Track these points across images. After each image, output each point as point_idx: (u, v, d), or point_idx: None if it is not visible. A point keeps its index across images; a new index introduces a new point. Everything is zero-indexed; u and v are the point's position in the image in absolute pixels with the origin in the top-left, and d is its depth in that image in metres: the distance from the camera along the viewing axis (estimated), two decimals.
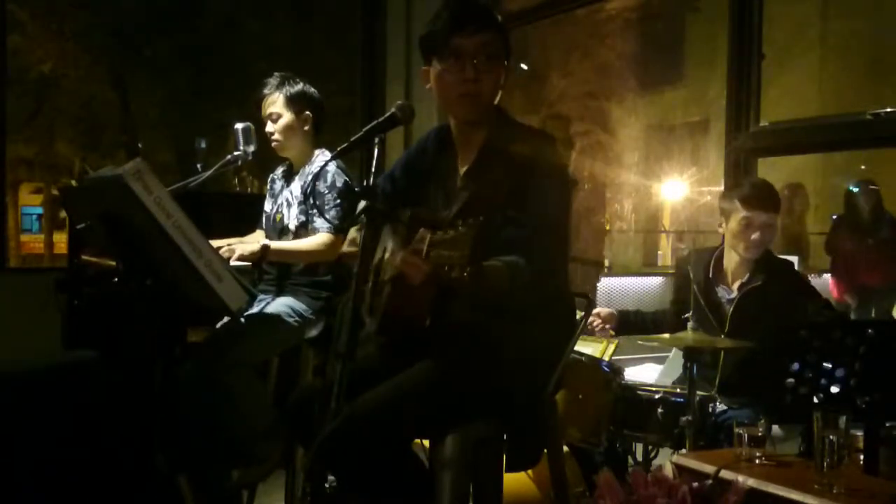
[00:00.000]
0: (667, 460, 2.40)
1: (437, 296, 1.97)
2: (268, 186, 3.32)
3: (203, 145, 3.97)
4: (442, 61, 2.08)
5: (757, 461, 2.10)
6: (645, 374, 3.28)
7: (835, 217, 6.59)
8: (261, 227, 3.25)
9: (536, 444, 2.23)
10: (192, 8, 11.17)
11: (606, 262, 13.47)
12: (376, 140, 1.95)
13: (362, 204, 1.85)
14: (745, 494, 1.80)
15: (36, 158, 12.78)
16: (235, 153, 3.12)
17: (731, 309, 2.85)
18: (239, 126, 3.13)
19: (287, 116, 3.09)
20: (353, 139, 1.97)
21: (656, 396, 2.73)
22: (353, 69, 5.15)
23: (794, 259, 3.47)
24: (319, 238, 2.96)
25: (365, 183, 1.92)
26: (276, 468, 3.00)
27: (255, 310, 2.97)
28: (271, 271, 3.10)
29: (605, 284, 5.09)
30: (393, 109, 1.97)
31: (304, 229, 3.03)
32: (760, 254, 2.83)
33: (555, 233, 2.06)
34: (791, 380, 2.19)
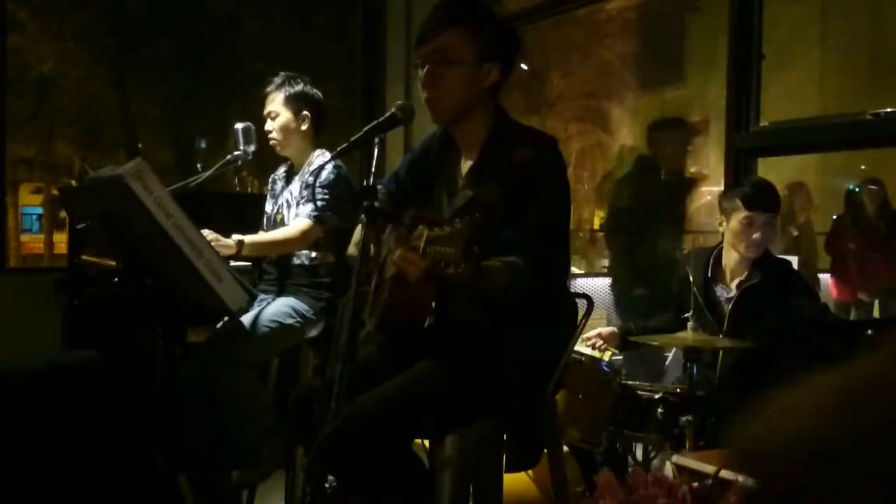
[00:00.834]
0: (667, 460, 2.40)
1: (437, 295, 1.97)
2: (268, 187, 3.32)
3: (203, 145, 3.97)
4: (417, 68, 2.12)
5: None
6: (645, 374, 3.28)
7: (835, 217, 6.59)
8: (262, 229, 3.24)
9: (536, 445, 2.23)
10: (192, 8, 11.16)
11: (606, 262, 13.47)
12: (376, 140, 1.96)
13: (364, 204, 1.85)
14: (745, 494, 1.80)
15: (36, 158, 12.76)
16: (235, 153, 3.12)
17: (730, 308, 2.86)
18: (239, 126, 3.13)
19: (285, 115, 3.09)
20: (353, 139, 1.97)
21: (656, 396, 2.73)
22: (353, 69, 5.15)
23: (794, 259, 3.47)
24: (295, 225, 2.95)
25: (365, 183, 1.93)
26: (276, 468, 3.00)
27: (255, 310, 2.97)
28: (272, 271, 3.10)
29: (605, 284, 5.08)
30: (393, 109, 1.97)
31: None
32: (761, 252, 2.84)
33: (555, 232, 2.06)
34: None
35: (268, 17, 11.18)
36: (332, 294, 3.04)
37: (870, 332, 2.19)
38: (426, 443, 2.09)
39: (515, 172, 2.03)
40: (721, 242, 2.96)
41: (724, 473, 1.99)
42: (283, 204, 3.14)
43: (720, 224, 2.94)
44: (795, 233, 5.50)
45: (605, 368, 2.90)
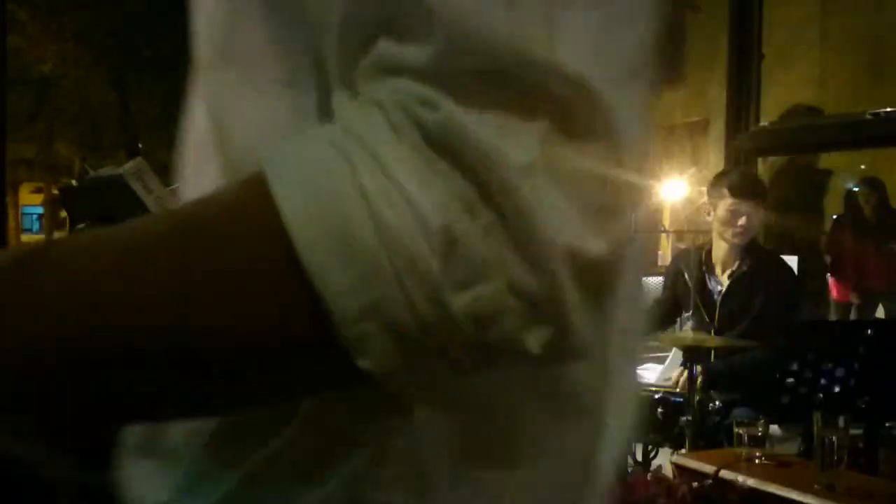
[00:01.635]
0: (667, 460, 2.40)
1: None
2: None
3: None
4: None
5: (757, 461, 2.09)
6: (645, 374, 3.28)
7: (835, 217, 6.58)
8: None
9: None
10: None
11: None
12: None
13: None
14: (745, 494, 1.80)
15: (36, 158, 12.77)
16: None
17: (720, 300, 2.89)
18: None
19: None
20: None
21: (656, 396, 2.73)
22: None
23: (794, 259, 3.47)
24: None
25: None
26: None
27: None
28: None
29: None
30: None
31: None
32: (747, 241, 2.88)
33: None
34: (791, 379, 2.20)
35: None
36: None
37: (870, 331, 2.19)
38: None
39: None
40: (710, 242, 3.00)
41: (724, 473, 1.99)
42: None
43: (708, 214, 2.99)
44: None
45: None
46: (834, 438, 1.89)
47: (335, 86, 0.41)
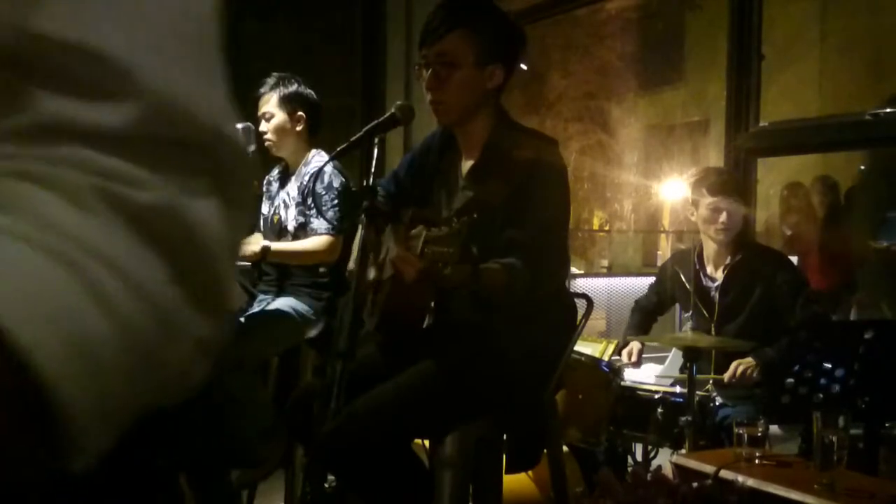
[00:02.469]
0: (667, 460, 2.40)
1: (437, 296, 1.97)
2: (263, 189, 3.32)
3: None
4: (420, 68, 2.12)
5: (757, 461, 2.10)
6: (645, 374, 3.28)
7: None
8: (258, 230, 3.24)
9: (536, 445, 2.23)
10: None
11: (606, 263, 13.48)
12: (376, 140, 1.96)
13: (364, 204, 1.85)
14: (745, 494, 1.80)
15: None
16: None
17: (717, 294, 2.91)
18: (239, 126, 3.12)
19: (279, 116, 3.08)
20: (352, 139, 1.97)
21: (656, 396, 2.73)
22: (353, 69, 5.15)
23: (794, 259, 3.47)
24: (319, 239, 2.97)
25: (365, 183, 1.93)
26: (276, 468, 3.00)
27: (255, 310, 2.97)
28: (271, 272, 3.10)
29: (605, 284, 5.08)
30: (393, 109, 1.97)
31: (302, 230, 3.03)
32: (732, 237, 2.92)
33: (555, 234, 2.06)
34: (791, 380, 2.20)
35: (268, 17, 11.18)
36: (331, 294, 3.04)
37: (870, 331, 2.19)
38: (426, 443, 2.09)
39: (516, 174, 2.03)
40: (701, 242, 3.03)
41: (724, 473, 1.99)
42: (279, 205, 3.13)
43: (692, 215, 3.03)
44: (789, 232, 5.47)
45: (605, 368, 2.90)
46: (834, 438, 1.89)
47: None
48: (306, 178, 3.04)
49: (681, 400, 2.65)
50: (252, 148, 3.13)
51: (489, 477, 2.09)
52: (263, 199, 3.28)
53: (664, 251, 13.62)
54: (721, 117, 3.73)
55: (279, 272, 3.09)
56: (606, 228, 14.78)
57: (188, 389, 0.47)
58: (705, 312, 2.92)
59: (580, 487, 2.82)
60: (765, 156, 3.69)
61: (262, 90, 3.12)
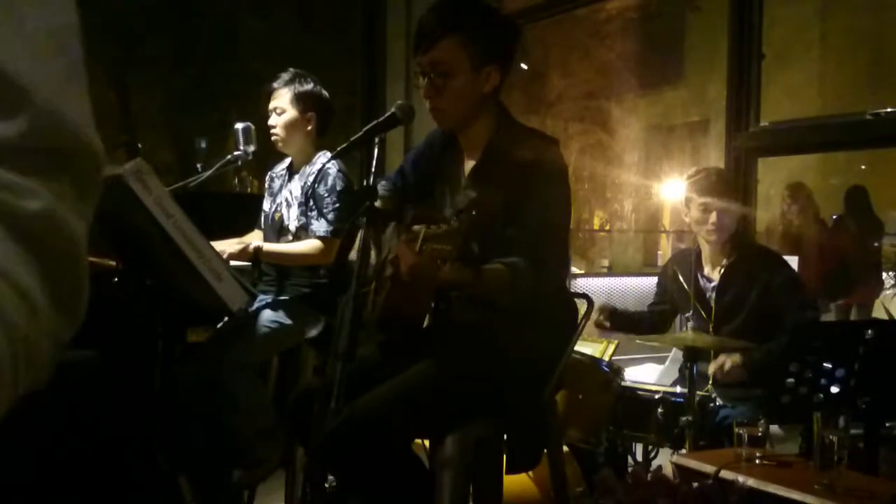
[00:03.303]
0: (667, 460, 2.40)
1: (437, 295, 1.97)
2: (266, 185, 3.32)
3: (203, 145, 3.97)
4: (418, 77, 2.13)
5: (757, 461, 2.10)
6: (645, 374, 3.29)
7: (835, 217, 6.61)
8: (259, 227, 3.24)
9: (536, 445, 2.23)
10: (192, 8, 11.16)
11: (606, 262, 13.48)
12: (376, 140, 1.95)
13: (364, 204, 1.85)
14: (745, 494, 1.80)
15: None
16: (236, 153, 3.12)
17: (714, 294, 2.91)
18: (239, 126, 3.13)
19: (291, 113, 3.08)
20: (352, 139, 1.97)
21: (656, 396, 2.73)
22: (353, 69, 5.15)
23: (794, 259, 3.48)
24: (313, 243, 2.96)
25: (365, 183, 1.93)
26: (276, 468, 3.00)
27: (255, 310, 2.96)
28: (271, 272, 3.10)
29: (606, 284, 5.09)
30: (393, 109, 1.97)
31: (304, 231, 3.03)
32: (725, 238, 2.92)
33: (556, 234, 2.06)
34: (791, 380, 2.20)
35: (268, 17, 11.18)
36: (331, 294, 3.04)
37: (870, 331, 2.19)
38: (426, 443, 2.09)
39: (518, 174, 2.03)
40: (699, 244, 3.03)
41: (724, 473, 1.99)
42: (282, 203, 3.13)
43: (685, 216, 3.04)
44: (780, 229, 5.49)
45: (605, 368, 2.90)
46: (834, 438, 1.89)
47: None
48: (310, 178, 3.03)
49: (681, 400, 2.65)
50: (252, 148, 3.13)
51: (489, 477, 2.09)
52: (266, 195, 3.28)
53: (665, 251, 13.62)
54: (721, 117, 3.74)
55: (279, 272, 3.08)
56: (607, 228, 14.79)
57: (38, 385, 0.50)
58: (703, 313, 2.92)
59: (580, 487, 2.82)
60: (765, 156, 3.69)
61: (275, 84, 3.10)
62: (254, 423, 2.87)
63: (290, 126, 3.08)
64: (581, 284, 4.98)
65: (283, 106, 3.07)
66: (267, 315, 2.94)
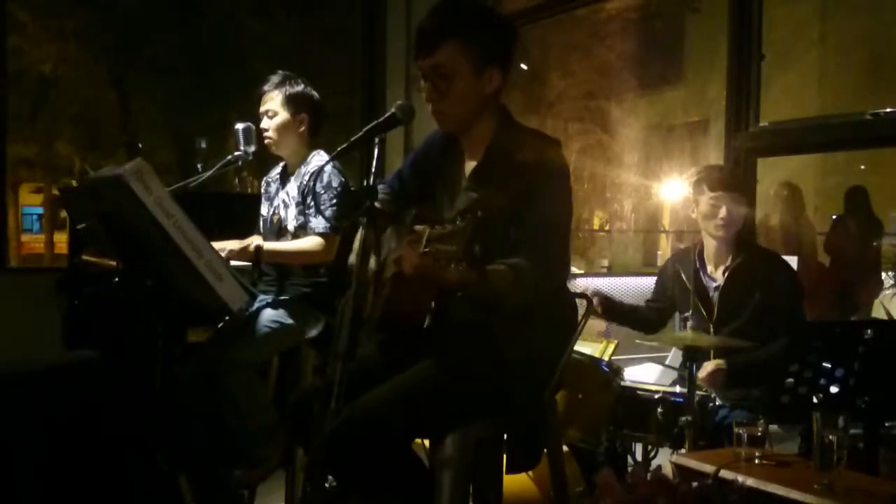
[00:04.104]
0: (667, 460, 2.40)
1: (437, 295, 1.97)
2: (262, 189, 3.32)
3: (203, 145, 3.97)
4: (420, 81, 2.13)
5: (757, 461, 2.10)
6: (645, 374, 3.29)
7: (835, 217, 6.61)
8: (258, 232, 3.24)
9: (536, 445, 2.23)
10: (192, 8, 11.17)
11: (606, 262, 13.49)
12: (376, 140, 1.95)
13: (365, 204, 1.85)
14: (745, 494, 1.80)
15: (36, 158, 12.78)
16: (236, 153, 3.12)
17: (718, 295, 2.91)
18: (239, 126, 3.13)
19: (282, 115, 3.08)
20: (352, 139, 1.97)
21: (656, 396, 2.73)
22: (353, 69, 5.15)
23: (794, 259, 3.47)
24: (313, 240, 2.96)
25: (365, 183, 1.93)
26: (276, 468, 3.00)
27: (255, 310, 2.96)
28: (271, 272, 3.10)
29: (606, 284, 5.09)
30: (393, 109, 1.97)
31: (303, 230, 3.03)
32: (733, 234, 2.91)
33: (557, 234, 2.06)
34: (791, 380, 2.20)
35: (268, 18, 11.19)
36: (332, 294, 3.04)
37: (870, 331, 2.19)
38: (426, 443, 2.09)
39: (519, 175, 2.03)
40: (701, 241, 3.01)
41: (724, 473, 2.00)
42: (279, 205, 3.13)
43: (693, 213, 3.03)
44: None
45: (605, 368, 2.90)
46: (833, 438, 1.89)
47: None
48: (306, 178, 3.04)
49: (681, 400, 2.65)
50: (252, 148, 3.13)
51: (489, 477, 2.09)
52: (262, 200, 3.28)
53: (664, 251, 13.63)
54: (721, 117, 3.74)
55: (279, 272, 3.09)
56: (606, 228, 14.80)
57: None
58: (704, 312, 2.92)
59: (580, 487, 2.82)
60: (765, 156, 3.69)
61: (265, 87, 3.11)
62: (254, 423, 2.87)
63: (283, 128, 3.09)
64: (581, 284, 4.97)
65: (274, 108, 3.08)
66: (267, 315, 2.94)
